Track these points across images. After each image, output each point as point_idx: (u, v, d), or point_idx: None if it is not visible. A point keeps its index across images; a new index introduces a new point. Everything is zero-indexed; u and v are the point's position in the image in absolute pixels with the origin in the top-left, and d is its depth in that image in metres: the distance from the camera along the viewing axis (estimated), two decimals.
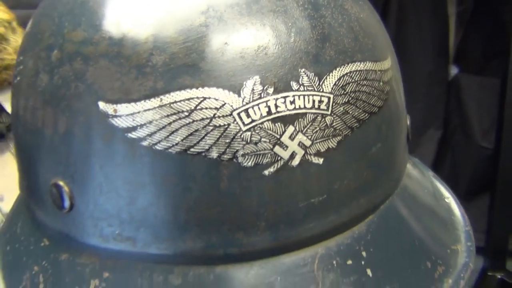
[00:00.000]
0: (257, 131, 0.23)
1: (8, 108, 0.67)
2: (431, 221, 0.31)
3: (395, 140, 0.29)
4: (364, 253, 0.25)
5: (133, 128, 0.24)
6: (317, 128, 0.24)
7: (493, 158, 1.37)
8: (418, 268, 0.27)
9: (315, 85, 0.24)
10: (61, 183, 0.25)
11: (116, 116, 0.24)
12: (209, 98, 0.23)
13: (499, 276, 1.38)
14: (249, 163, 0.24)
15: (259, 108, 0.23)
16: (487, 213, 1.45)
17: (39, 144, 0.27)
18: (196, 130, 0.23)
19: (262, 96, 0.23)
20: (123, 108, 0.24)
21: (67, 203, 0.25)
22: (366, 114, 0.26)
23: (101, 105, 0.24)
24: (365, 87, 0.26)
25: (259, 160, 0.24)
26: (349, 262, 0.25)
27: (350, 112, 0.25)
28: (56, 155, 0.26)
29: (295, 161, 0.24)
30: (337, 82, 0.24)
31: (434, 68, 1.45)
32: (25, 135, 0.28)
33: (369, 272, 0.25)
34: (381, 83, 0.27)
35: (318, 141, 0.24)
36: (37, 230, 0.28)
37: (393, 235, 0.27)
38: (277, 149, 0.24)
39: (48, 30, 0.27)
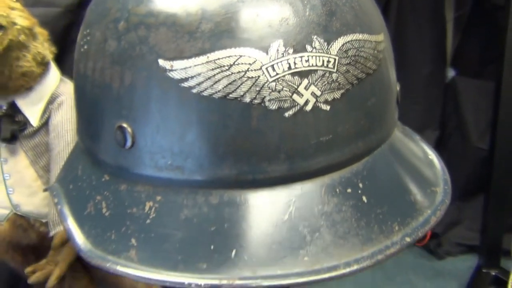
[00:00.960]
0: (280, 82, 0.31)
1: (25, 110, 0.71)
2: (415, 168, 0.39)
3: (386, 99, 0.37)
4: (360, 185, 0.33)
5: (185, 79, 0.32)
6: (326, 82, 0.32)
7: (488, 159, 1.44)
8: (403, 199, 0.35)
9: (324, 48, 0.32)
10: (125, 125, 0.33)
11: (172, 70, 0.32)
12: (244, 55, 0.31)
13: (493, 273, 1.45)
14: (274, 107, 0.31)
15: (282, 64, 0.31)
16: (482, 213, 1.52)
17: (107, 96, 0.34)
18: (234, 80, 0.31)
19: (284, 55, 0.31)
20: (178, 64, 0.32)
21: (129, 142, 0.33)
22: (364, 74, 0.34)
23: (161, 62, 0.32)
24: (363, 52, 0.34)
25: (281, 105, 0.31)
26: (349, 190, 0.33)
27: (351, 71, 0.33)
28: (121, 103, 0.33)
29: (308, 107, 0.32)
30: (341, 47, 0.32)
31: (432, 70, 1.53)
32: (93, 90, 0.36)
33: (364, 199, 0.33)
34: (375, 51, 0.35)
35: (326, 92, 0.32)
36: (98, 169, 0.36)
37: (383, 174, 0.35)
38: (295, 96, 0.32)
39: (115, 7, 0.35)
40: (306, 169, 0.32)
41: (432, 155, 0.43)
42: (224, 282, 0.27)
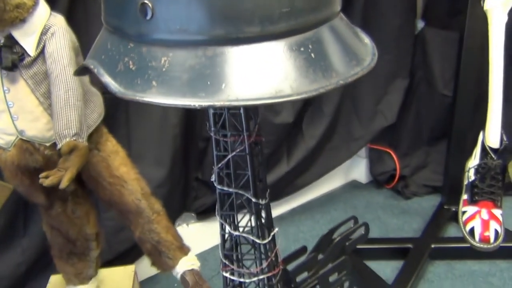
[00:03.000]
0: None
1: (22, 41, 0.81)
2: (351, 41, 0.52)
3: None
4: (310, 46, 0.46)
5: None
6: None
7: (451, 105, 1.59)
8: (340, 59, 0.48)
9: None
10: (146, 1, 0.44)
11: None
12: None
13: (453, 209, 1.64)
14: None
15: None
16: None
17: None
18: None
19: None
20: None
21: (149, 14, 0.44)
22: None
23: None
24: None
25: None
26: (302, 49, 0.46)
27: None
28: None
29: None
30: None
31: (402, 22, 1.64)
32: None
33: (312, 55, 0.46)
34: None
35: None
36: (124, 40, 0.48)
37: (327, 41, 0.49)
38: None
39: None
40: (272, 32, 0.45)
41: (367, 39, 0.56)
42: (217, 103, 0.43)
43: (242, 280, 0.49)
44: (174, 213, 1.45)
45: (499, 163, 1.08)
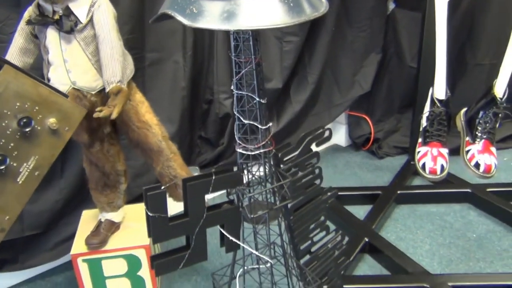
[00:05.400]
0: None
1: (76, 11, 1.08)
2: None
3: None
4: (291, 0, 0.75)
5: None
6: None
7: (415, 75, 1.90)
8: (309, 8, 0.76)
9: None
10: None
11: None
12: None
13: None
14: None
15: None
16: None
17: None
18: None
19: None
20: None
21: None
22: None
23: None
24: None
25: None
26: (286, 1, 0.74)
27: None
28: None
29: None
30: None
31: (375, 4, 1.94)
32: None
33: (292, 4, 0.71)
34: None
35: None
36: None
37: None
38: None
39: None
40: None
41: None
42: (238, 28, 0.67)
43: (249, 152, 0.79)
44: None
45: (443, 110, 1.40)
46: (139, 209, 1.56)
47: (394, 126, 2.19)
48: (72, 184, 1.51)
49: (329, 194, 0.96)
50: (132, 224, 1.46)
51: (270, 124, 0.80)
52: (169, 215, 0.78)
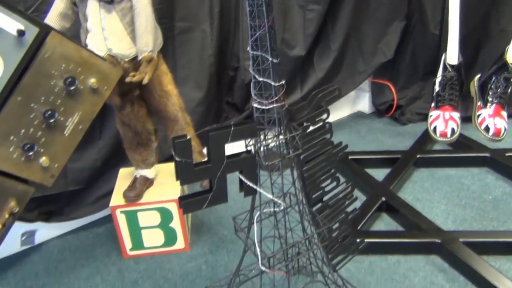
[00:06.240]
0: None
1: None
2: None
3: None
4: None
5: None
6: None
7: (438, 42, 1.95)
8: None
9: None
10: None
11: None
12: None
13: None
14: None
15: None
16: None
17: None
18: None
19: None
20: None
21: None
22: None
23: None
24: None
25: None
26: None
27: None
28: None
29: None
30: None
31: None
32: None
33: None
34: None
35: None
36: None
37: None
38: None
39: None
40: None
41: None
42: None
43: (264, 107, 0.90)
44: None
45: (455, 74, 1.46)
46: (170, 167, 1.70)
47: (417, 93, 2.25)
48: (109, 144, 1.66)
49: (338, 148, 1.06)
50: (164, 180, 1.61)
51: (283, 81, 0.90)
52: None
